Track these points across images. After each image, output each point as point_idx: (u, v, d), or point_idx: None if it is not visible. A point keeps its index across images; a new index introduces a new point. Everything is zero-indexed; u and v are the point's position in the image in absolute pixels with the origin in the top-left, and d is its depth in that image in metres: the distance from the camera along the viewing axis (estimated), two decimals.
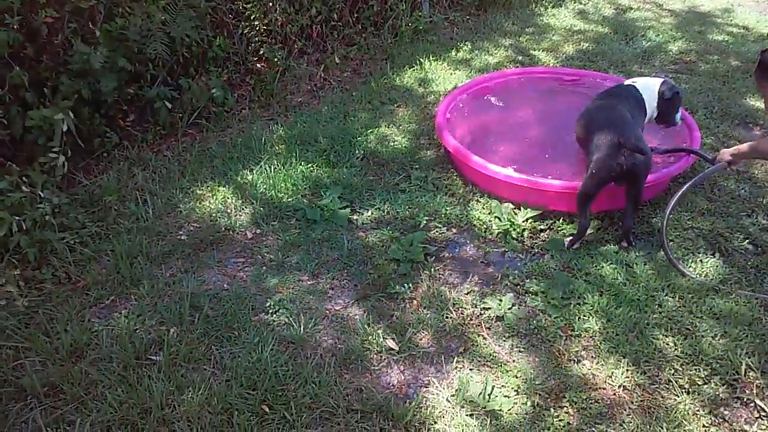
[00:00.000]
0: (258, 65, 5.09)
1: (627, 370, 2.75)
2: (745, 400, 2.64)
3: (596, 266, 3.28)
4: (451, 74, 5.34)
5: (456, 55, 5.70)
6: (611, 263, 3.29)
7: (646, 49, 5.85)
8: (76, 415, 2.48)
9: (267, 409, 2.56)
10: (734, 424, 2.55)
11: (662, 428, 2.51)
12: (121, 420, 2.51)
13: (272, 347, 2.82)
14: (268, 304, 3.09)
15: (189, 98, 4.45)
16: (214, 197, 3.83)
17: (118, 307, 3.08)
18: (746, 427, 2.53)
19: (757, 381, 2.69)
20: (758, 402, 2.61)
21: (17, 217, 3.12)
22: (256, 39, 4.98)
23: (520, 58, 5.69)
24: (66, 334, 2.87)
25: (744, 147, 3.22)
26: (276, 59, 5.02)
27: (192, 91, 4.44)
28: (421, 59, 5.52)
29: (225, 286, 3.21)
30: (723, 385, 2.69)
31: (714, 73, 5.33)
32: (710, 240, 3.44)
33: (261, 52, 5.00)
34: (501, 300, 3.08)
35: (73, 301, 3.07)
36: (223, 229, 3.59)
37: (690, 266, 3.27)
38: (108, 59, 3.82)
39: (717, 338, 2.88)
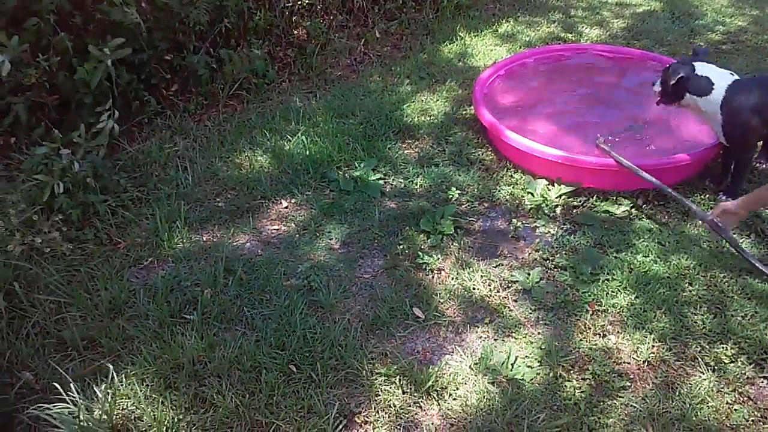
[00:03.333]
0: (299, 38, 5.14)
1: (653, 346, 2.75)
2: None
3: (627, 243, 3.27)
4: (492, 50, 5.32)
5: (498, 30, 5.67)
6: (643, 240, 3.28)
7: (693, 27, 5.73)
8: (112, 367, 2.58)
9: (294, 369, 2.64)
10: (759, 402, 2.54)
11: (684, 403, 2.51)
12: (155, 374, 2.61)
13: (302, 311, 2.90)
14: (299, 269, 3.16)
15: (230, 69, 4.53)
16: (252, 166, 3.91)
17: (155, 269, 3.19)
18: None
19: None
20: None
21: (60, 181, 3.24)
22: (298, 12, 5.03)
23: (563, 34, 5.63)
24: (106, 291, 2.99)
25: (745, 200, 3.09)
26: (317, 32, 5.06)
27: (233, 62, 4.52)
28: (462, 34, 5.51)
29: (259, 251, 3.29)
30: (750, 364, 2.67)
31: (764, 51, 5.21)
32: (746, 220, 3.39)
33: (302, 24, 5.05)
34: (529, 273, 3.10)
35: (113, 261, 3.19)
36: (259, 197, 3.67)
37: (723, 245, 3.24)
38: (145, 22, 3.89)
39: (747, 318, 2.86)
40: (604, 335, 2.82)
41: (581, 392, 2.56)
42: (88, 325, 2.84)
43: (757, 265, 3.03)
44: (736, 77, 3.43)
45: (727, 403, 2.53)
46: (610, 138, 3.75)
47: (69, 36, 3.65)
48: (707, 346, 2.74)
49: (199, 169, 3.86)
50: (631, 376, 2.64)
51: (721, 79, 3.41)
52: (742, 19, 6.02)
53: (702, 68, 3.46)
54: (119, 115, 3.74)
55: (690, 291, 3.00)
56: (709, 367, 2.66)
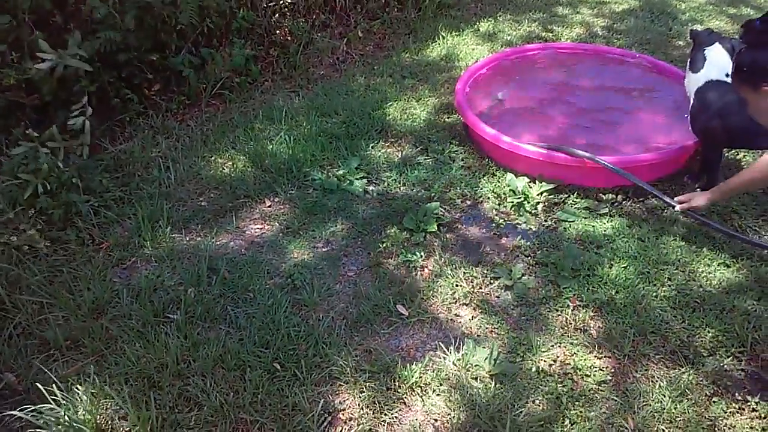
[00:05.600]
0: (281, 37, 5.15)
1: (633, 340, 2.78)
2: (749, 372, 2.66)
3: (608, 240, 3.31)
4: (474, 49, 5.35)
5: (479, 29, 5.71)
6: (622, 236, 3.32)
7: (671, 26, 5.80)
8: (96, 367, 2.58)
9: (278, 367, 2.65)
10: (737, 394, 2.58)
11: (664, 396, 2.55)
12: (138, 373, 2.61)
13: (285, 309, 2.91)
14: (283, 268, 3.17)
15: (213, 69, 4.53)
16: (235, 166, 3.91)
17: (139, 268, 3.19)
18: (748, 398, 2.55)
19: (763, 354, 2.71)
20: (763, 374, 2.64)
21: (40, 180, 3.22)
22: (280, 11, 5.03)
23: (544, 34, 5.67)
24: (88, 291, 2.98)
25: (716, 190, 3.16)
26: (299, 32, 5.07)
27: (216, 62, 4.52)
28: (444, 34, 5.54)
29: (242, 251, 3.30)
30: (728, 356, 2.71)
31: None
32: (724, 216, 3.44)
33: (284, 24, 5.05)
34: (511, 270, 3.13)
35: (96, 261, 3.18)
36: (243, 196, 3.67)
37: (702, 240, 3.29)
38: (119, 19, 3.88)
39: (725, 311, 2.90)
40: (586, 330, 2.85)
41: (563, 386, 2.59)
42: (71, 325, 2.84)
43: (738, 235, 3.19)
44: (726, 79, 3.42)
45: (706, 395, 2.57)
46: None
47: (48, 35, 3.62)
48: (686, 340, 2.78)
49: (181, 169, 3.85)
50: (612, 370, 2.67)
51: (713, 70, 3.46)
52: (720, 18, 6.10)
53: (713, 50, 3.51)
54: (100, 114, 3.74)
55: (669, 285, 3.04)
56: (687, 361, 2.70)
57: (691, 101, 3.51)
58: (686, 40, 5.52)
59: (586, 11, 6.19)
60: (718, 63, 3.48)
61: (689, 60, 3.60)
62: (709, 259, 3.18)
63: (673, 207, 3.29)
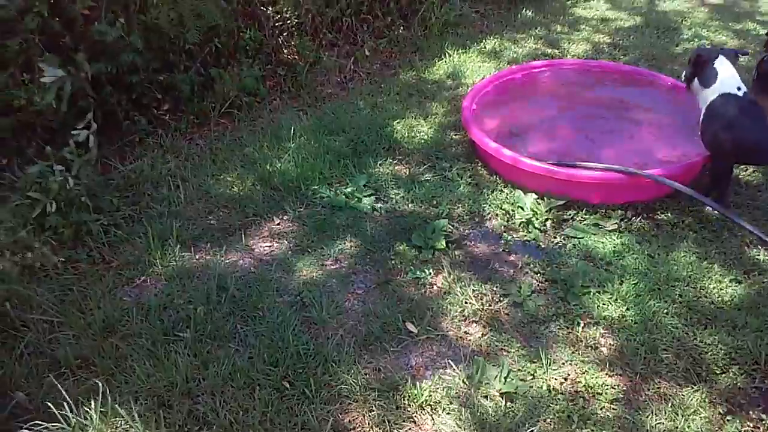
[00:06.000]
0: (289, 57, 5.18)
1: (644, 358, 2.77)
2: (763, 390, 2.64)
3: (617, 256, 3.30)
4: (480, 66, 5.37)
5: (485, 47, 5.74)
6: (632, 253, 3.31)
7: (678, 41, 5.82)
8: (105, 386, 2.58)
9: (288, 385, 2.64)
10: (751, 412, 2.56)
11: (677, 415, 2.53)
12: (148, 392, 2.61)
13: (294, 327, 2.90)
14: (292, 286, 3.17)
15: (221, 88, 4.56)
16: (243, 184, 3.92)
17: (148, 287, 3.20)
18: (763, 416, 2.53)
19: None
20: None
21: (51, 199, 3.24)
22: (287, 30, 5.07)
23: (549, 51, 5.70)
24: (99, 310, 2.99)
25: None
26: (306, 51, 5.10)
27: (224, 81, 4.55)
28: (450, 52, 5.57)
29: (251, 269, 3.30)
30: (741, 374, 2.69)
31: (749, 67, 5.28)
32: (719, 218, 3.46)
33: (292, 43, 5.09)
34: (521, 287, 3.12)
35: (106, 280, 3.19)
36: (251, 215, 3.68)
37: (713, 255, 3.28)
38: (132, 42, 3.92)
39: (737, 328, 2.89)
40: (596, 347, 2.84)
41: (574, 405, 2.58)
42: (81, 344, 2.84)
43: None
44: (737, 93, 3.45)
45: (720, 413, 2.55)
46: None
47: (59, 56, 3.66)
48: (698, 357, 2.76)
49: (191, 188, 3.87)
50: (624, 389, 2.65)
51: (725, 84, 3.47)
52: (724, 33, 6.11)
53: (721, 63, 3.54)
54: (110, 134, 3.77)
55: (680, 302, 3.03)
56: (700, 378, 2.68)
57: (702, 114, 3.52)
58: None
59: (590, 29, 6.21)
60: (728, 76, 3.51)
61: (698, 76, 3.60)
62: (720, 275, 3.17)
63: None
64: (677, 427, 2.48)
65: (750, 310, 2.97)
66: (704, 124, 3.50)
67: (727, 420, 2.52)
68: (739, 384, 2.66)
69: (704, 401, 2.59)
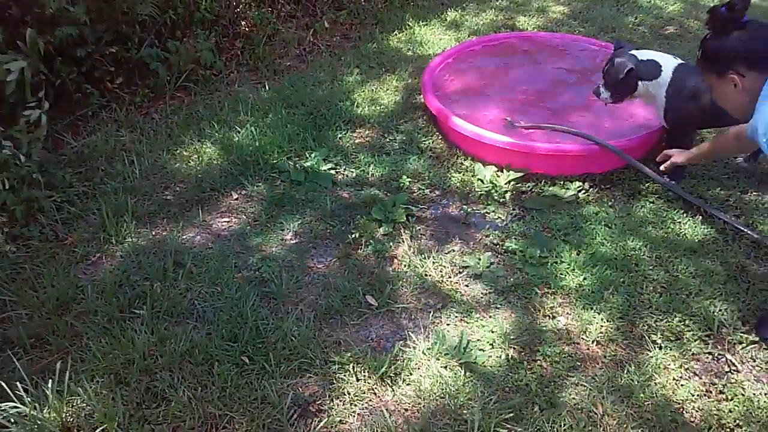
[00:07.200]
0: (246, 29, 5.09)
1: (601, 326, 2.81)
2: (716, 355, 2.70)
3: (575, 227, 3.34)
4: (440, 38, 5.35)
5: (446, 19, 5.71)
6: (590, 223, 3.35)
7: (634, 12, 5.86)
8: (61, 364, 2.53)
9: (247, 360, 2.62)
10: (704, 377, 2.61)
11: (633, 381, 2.58)
12: (105, 369, 2.57)
13: (253, 302, 2.88)
14: (251, 261, 3.14)
15: (177, 61, 4.46)
16: (200, 159, 3.86)
17: (103, 264, 3.14)
18: (716, 380, 2.59)
19: (729, 336, 2.76)
20: (729, 356, 2.68)
21: (3, 174, 3.16)
22: (244, 2, 4.98)
23: (510, 21, 5.69)
24: (53, 288, 2.93)
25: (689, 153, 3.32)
26: (264, 22, 5.02)
27: (180, 54, 4.45)
28: (411, 23, 5.53)
29: (209, 244, 3.26)
30: (695, 340, 2.75)
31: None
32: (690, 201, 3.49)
33: (249, 15, 5.00)
34: (480, 259, 3.14)
35: (60, 258, 3.12)
36: (209, 189, 3.63)
37: (669, 226, 3.33)
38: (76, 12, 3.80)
39: (691, 296, 2.94)
40: (554, 317, 2.87)
41: (532, 373, 2.61)
42: (35, 323, 2.78)
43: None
44: (680, 60, 3.50)
45: (674, 379, 2.60)
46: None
47: (4, 28, 3.53)
48: (653, 325, 2.81)
49: (146, 163, 3.79)
50: (581, 356, 2.69)
51: (667, 61, 3.48)
52: (680, 5, 6.16)
53: (642, 54, 3.54)
54: (61, 109, 3.67)
55: (636, 272, 3.07)
56: (656, 345, 2.73)
57: (663, 101, 3.49)
58: (650, 26, 5.59)
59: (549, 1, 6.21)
60: (657, 54, 3.53)
61: (644, 81, 3.51)
62: (676, 243, 3.22)
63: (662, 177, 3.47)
64: (633, 393, 2.53)
65: (704, 277, 3.02)
66: (668, 104, 3.48)
67: (681, 385, 2.57)
68: (692, 350, 2.70)
69: (659, 367, 2.63)
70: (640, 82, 3.51)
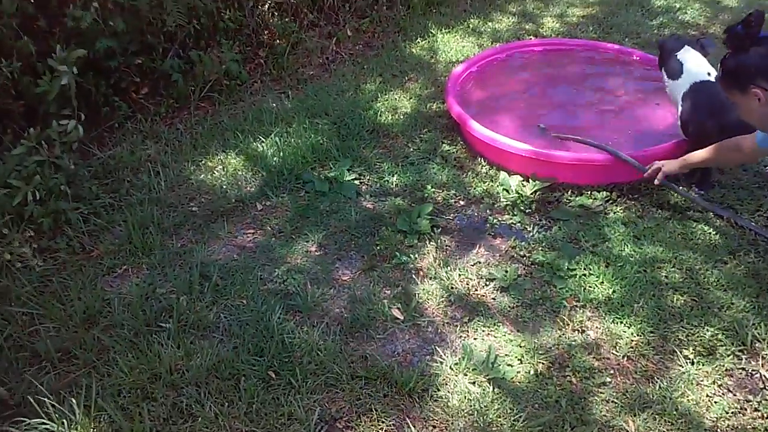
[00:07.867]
0: (269, 38, 5.10)
1: (631, 340, 2.76)
2: (749, 371, 2.64)
3: (603, 237, 3.29)
4: (463, 46, 5.32)
5: (468, 26, 5.68)
6: (618, 234, 3.30)
7: (658, 14, 5.79)
8: (88, 379, 2.54)
9: (273, 375, 2.61)
10: (738, 394, 2.56)
11: (665, 397, 2.53)
12: (131, 384, 2.57)
13: (279, 315, 2.87)
14: (276, 273, 3.14)
15: (201, 71, 4.48)
16: (225, 170, 3.87)
17: (130, 276, 3.15)
18: (750, 397, 2.54)
19: (764, 352, 2.70)
20: (763, 372, 2.62)
21: (32, 187, 3.17)
22: (268, 11, 4.98)
23: (534, 28, 5.65)
24: (79, 301, 2.94)
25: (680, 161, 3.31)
26: (287, 32, 5.02)
27: (204, 64, 4.46)
28: (433, 31, 5.51)
29: (234, 256, 3.26)
30: (728, 355, 2.69)
31: None
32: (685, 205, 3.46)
33: (272, 24, 5.00)
34: (507, 270, 3.10)
35: (87, 270, 3.14)
36: (234, 200, 3.63)
37: (699, 237, 3.27)
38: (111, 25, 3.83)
39: (723, 309, 2.88)
40: (583, 331, 2.83)
41: (562, 389, 2.57)
42: (63, 336, 2.79)
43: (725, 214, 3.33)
44: (710, 79, 3.43)
45: (707, 395, 2.54)
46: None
47: (32, 41, 3.57)
48: (685, 339, 2.76)
49: (171, 174, 3.81)
50: (611, 371, 2.65)
51: (694, 73, 3.44)
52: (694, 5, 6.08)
53: (686, 53, 3.51)
54: (88, 120, 3.68)
55: (666, 284, 3.02)
56: (687, 360, 2.67)
57: (679, 106, 3.48)
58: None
59: (575, 8, 6.16)
60: (695, 64, 3.50)
61: (664, 68, 3.60)
62: (706, 255, 3.16)
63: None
64: (665, 409, 2.47)
65: (735, 290, 2.96)
66: (685, 116, 3.46)
67: (715, 402, 2.51)
68: (725, 365, 2.64)
69: (692, 382, 2.57)
70: (664, 77, 3.57)
